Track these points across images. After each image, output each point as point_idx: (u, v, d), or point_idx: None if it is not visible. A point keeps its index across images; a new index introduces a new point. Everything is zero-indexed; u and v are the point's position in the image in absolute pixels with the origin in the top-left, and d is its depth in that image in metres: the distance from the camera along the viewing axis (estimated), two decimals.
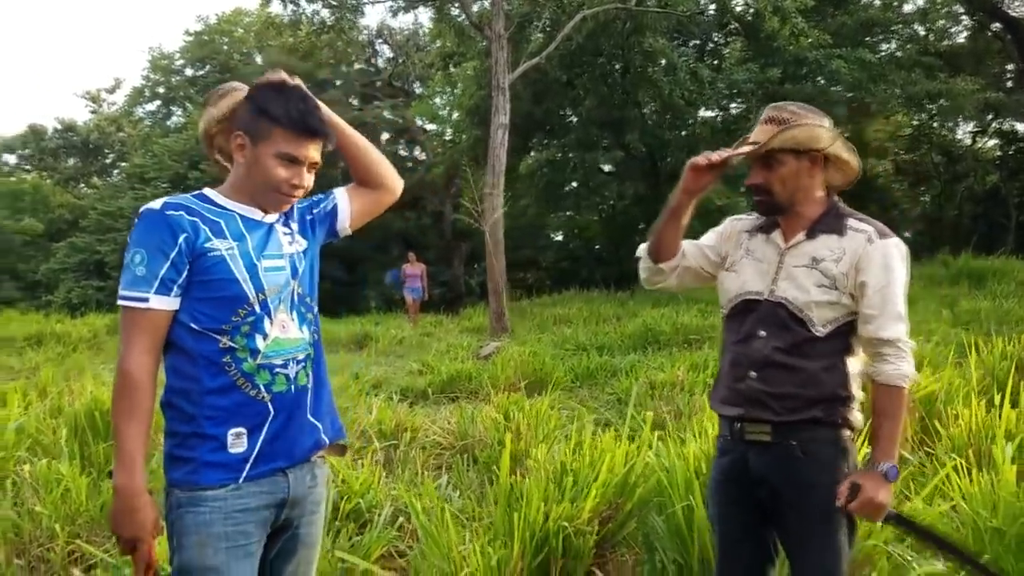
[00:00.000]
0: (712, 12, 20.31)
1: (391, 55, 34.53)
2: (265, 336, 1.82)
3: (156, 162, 30.19)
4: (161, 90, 38.87)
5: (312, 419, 1.92)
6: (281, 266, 1.90)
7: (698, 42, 22.12)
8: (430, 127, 29.24)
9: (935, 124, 25.36)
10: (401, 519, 3.81)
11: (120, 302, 1.78)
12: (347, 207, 2.12)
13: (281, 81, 1.89)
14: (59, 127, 39.83)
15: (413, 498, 3.52)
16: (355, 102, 33.71)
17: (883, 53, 21.30)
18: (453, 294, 24.61)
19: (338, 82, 33.58)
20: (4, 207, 32.30)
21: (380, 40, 34.17)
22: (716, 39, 22.44)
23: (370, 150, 2.14)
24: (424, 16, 30.17)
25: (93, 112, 41.71)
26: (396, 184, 2.19)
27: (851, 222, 2.20)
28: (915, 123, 25.51)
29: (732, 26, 21.86)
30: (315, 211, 2.07)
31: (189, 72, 38.03)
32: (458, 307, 20.49)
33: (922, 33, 22.60)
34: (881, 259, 2.12)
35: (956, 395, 4.57)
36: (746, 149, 2.20)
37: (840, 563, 2.09)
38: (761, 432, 2.15)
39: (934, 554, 2.86)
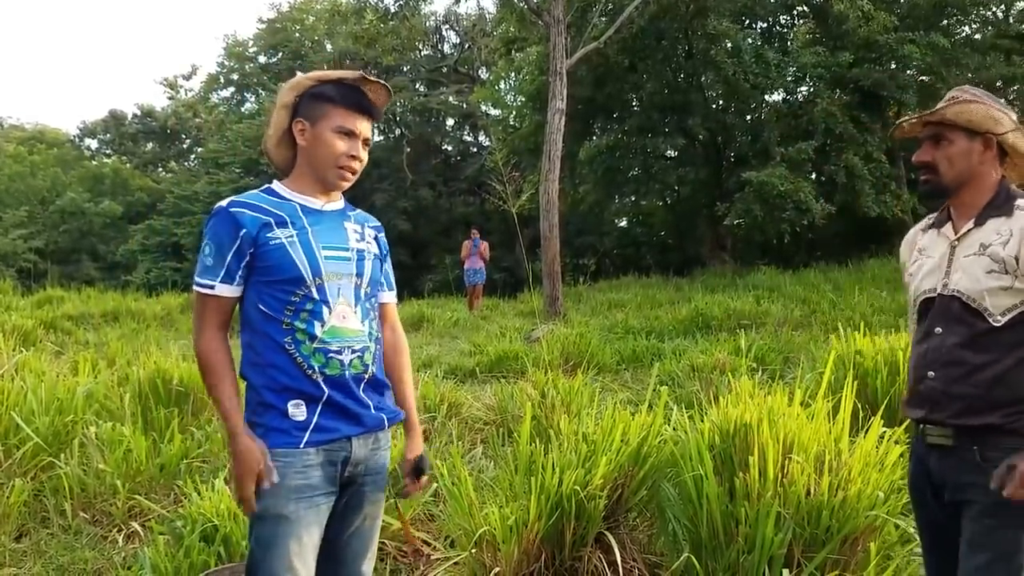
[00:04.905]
0: None
1: (457, 41, 34.72)
2: (323, 324, 2.02)
3: (230, 147, 30.95)
4: (235, 77, 39.67)
5: (365, 398, 2.10)
6: (345, 256, 2.10)
7: (764, 24, 21.69)
8: (493, 112, 29.34)
9: (1017, 111, 24.41)
10: (436, 485, 4.00)
11: (194, 288, 2.06)
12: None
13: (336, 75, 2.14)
14: (138, 113, 41.11)
15: (440, 462, 3.71)
16: (422, 88, 34.03)
17: (959, 36, 20.58)
18: (515, 279, 24.74)
19: (405, 68, 33.92)
20: (85, 190, 33.58)
21: (447, 26, 34.38)
22: (783, 21, 21.98)
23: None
24: (488, 1, 30.23)
25: (171, 98, 42.85)
26: None
27: (1020, 202, 2.03)
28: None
29: (799, 8, 21.41)
30: (383, 255, 2.30)
31: (262, 59, 38.71)
32: (519, 292, 20.65)
33: (1000, 15, 21.71)
34: None
35: None
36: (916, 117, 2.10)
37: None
38: (942, 436, 2.04)
39: None
